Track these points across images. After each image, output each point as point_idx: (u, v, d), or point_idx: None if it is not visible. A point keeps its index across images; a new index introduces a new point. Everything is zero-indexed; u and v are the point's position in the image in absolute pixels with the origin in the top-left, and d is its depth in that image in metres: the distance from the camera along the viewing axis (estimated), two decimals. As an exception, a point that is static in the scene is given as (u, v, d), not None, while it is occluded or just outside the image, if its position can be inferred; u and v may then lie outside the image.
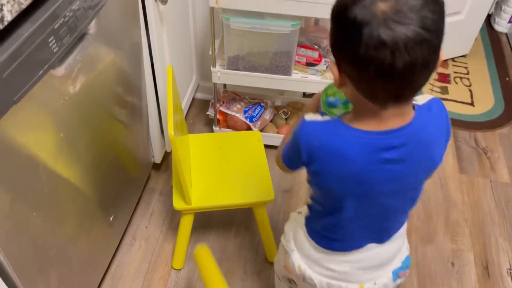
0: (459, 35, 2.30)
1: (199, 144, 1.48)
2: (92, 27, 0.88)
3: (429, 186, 1.80)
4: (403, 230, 0.95)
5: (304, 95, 2.07)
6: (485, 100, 2.21)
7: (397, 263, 0.94)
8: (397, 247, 0.94)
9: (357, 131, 0.71)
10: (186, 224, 1.38)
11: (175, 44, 1.55)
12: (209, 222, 1.63)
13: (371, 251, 0.88)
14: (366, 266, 0.90)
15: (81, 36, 0.84)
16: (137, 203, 1.66)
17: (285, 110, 1.92)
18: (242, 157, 1.46)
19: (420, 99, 0.76)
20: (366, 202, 0.79)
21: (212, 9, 1.43)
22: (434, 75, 2.30)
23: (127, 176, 1.46)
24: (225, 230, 1.61)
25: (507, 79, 2.34)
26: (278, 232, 1.59)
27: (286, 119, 1.91)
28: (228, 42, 1.54)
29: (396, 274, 0.94)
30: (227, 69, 1.62)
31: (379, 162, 0.72)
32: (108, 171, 1.26)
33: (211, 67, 1.60)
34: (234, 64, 1.61)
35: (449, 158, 1.91)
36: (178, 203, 1.31)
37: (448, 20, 2.28)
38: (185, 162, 1.29)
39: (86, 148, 1.06)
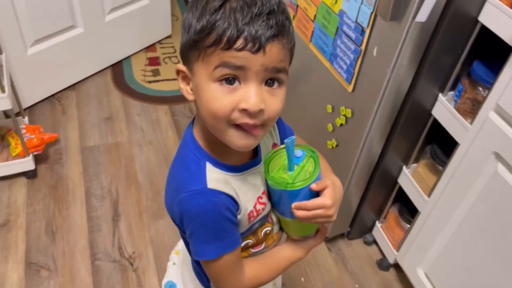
0: (153, 19, 2.41)
1: None
2: None
3: (153, 163, 1.86)
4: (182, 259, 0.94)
5: (7, 116, 1.89)
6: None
7: None
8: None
9: None
10: None
11: None
12: None
13: None
14: None
15: None
16: None
17: (-20, 139, 1.72)
18: None
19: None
20: None
21: None
22: (144, 61, 2.37)
23: None
24: None
25: (209, 48, 2.58)
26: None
27: (-17, 149, 1.70)
28: None
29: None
30: None
31: None
32: None
33: None
34: None
35: (169, 133, 2.01)
36: None
37: (133, 7, 2.31)
38: None
39: None
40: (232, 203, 0.67)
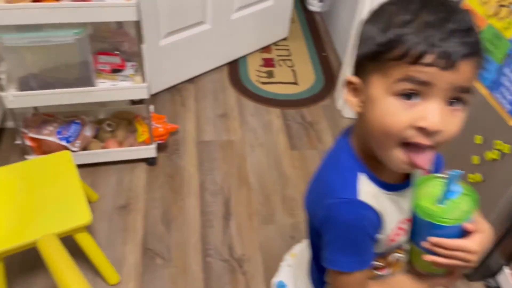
0: (274, 20, 2.42)
1: (-3, 180, 1.31)
2: None
3: (264, 166, 1.85)
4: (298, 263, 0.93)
5: (133, 102, 1.98)
6: (307, 77, 2.35)
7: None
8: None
9: None
10: (-5, 273, 1.21)
11: None
12: (37, 262, 1.46)
13: None
14: None
15: None
16: None
17: (110, 122, 1.81)
18: (50, 183, 1.33)
19: None
20: None
21: (-24, 27, 1.26)
22: (259, 61, 2.38)
23: None
24: (55, 266, 1.45)
25: (324, 54, 2.53)
26: (117, 254, 1.50)
27: (112, 131, 1.80)
28: (10, 62, 1.38)
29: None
30: (20, 90, 1.45)
31: None
32: None
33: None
34: (27, 84, 1.45)
35: (280, 138, 2.00)
36: (-28, 254, 1.13)
37: (258, 7, 2.34)
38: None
39: None
40: (377, 220, 0.65)
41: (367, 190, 0.64)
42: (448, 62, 0.53)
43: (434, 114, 0.55)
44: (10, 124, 1.87)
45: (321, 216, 0.66)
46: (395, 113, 0.56)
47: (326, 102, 2.21)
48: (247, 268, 1.51)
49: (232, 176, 1.81)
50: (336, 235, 0.66)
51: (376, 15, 0.60)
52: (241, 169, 1.85)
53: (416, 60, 0.53)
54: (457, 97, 0.56)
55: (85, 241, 1.29)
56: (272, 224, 1.65)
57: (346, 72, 2.03)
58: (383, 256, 0.73)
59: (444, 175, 0.69)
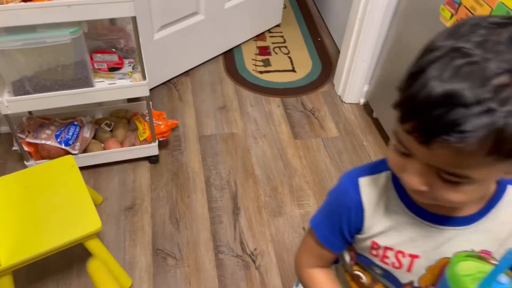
0: (267, 6, 2.36)
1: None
2: None
3: (270, 159, 1.83)
4: None
5: (130, 99, 1.93)
6: (304, 64, 2.32)
7: None
8: None
9: None
10: (6, 287, 1.17)
11: None
12: (45, 271, 1.42)
13: None
14: None
15: None
16: None
17: (108, 121, 1.76)
18: (55, 190, 1.28)
19: None
20: None
21: (-35, 32, 1.19)
22: (254, 50, 2.33)
23: None
24: (65, 274, 1.42)
25: (319, 39, 2.49)
26: (127, 257, 1.46)
27: (111, 131, 1.75)
28: (2, 66, 1.32)
29: None
30: (15, 95, 1.39)
31: None
32: None
33: (-7, 98, 1.36)
34: (21, 88, 1.39)
35: (282, 127, 1.96)
36: (-19, 270, 1.09)
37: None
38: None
39: None
40: (356, 212, 0.65)
41: (379, 184, 0.65)
42: (422, 137, 0.47)
43: (411, 178, 0.53)
44: (4, 129, 1.81)
45: None
46: (393, 160, 0.57)
47: (325, 88, 2.18)
48: (260, 262, 1.49)
49: (237, 170, 1.78)
50: (328, 194, 0.72)
51: None
52: (245, 161, 1.81)
53: (401, 121, 0.50)
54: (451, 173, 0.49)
55: (96, 248, 1.25)
56: (282, 216, 1.63)
57: (345, 59, 2.00)
58: (374, 281, 0.70)
59: (493, 260, 0.59)
